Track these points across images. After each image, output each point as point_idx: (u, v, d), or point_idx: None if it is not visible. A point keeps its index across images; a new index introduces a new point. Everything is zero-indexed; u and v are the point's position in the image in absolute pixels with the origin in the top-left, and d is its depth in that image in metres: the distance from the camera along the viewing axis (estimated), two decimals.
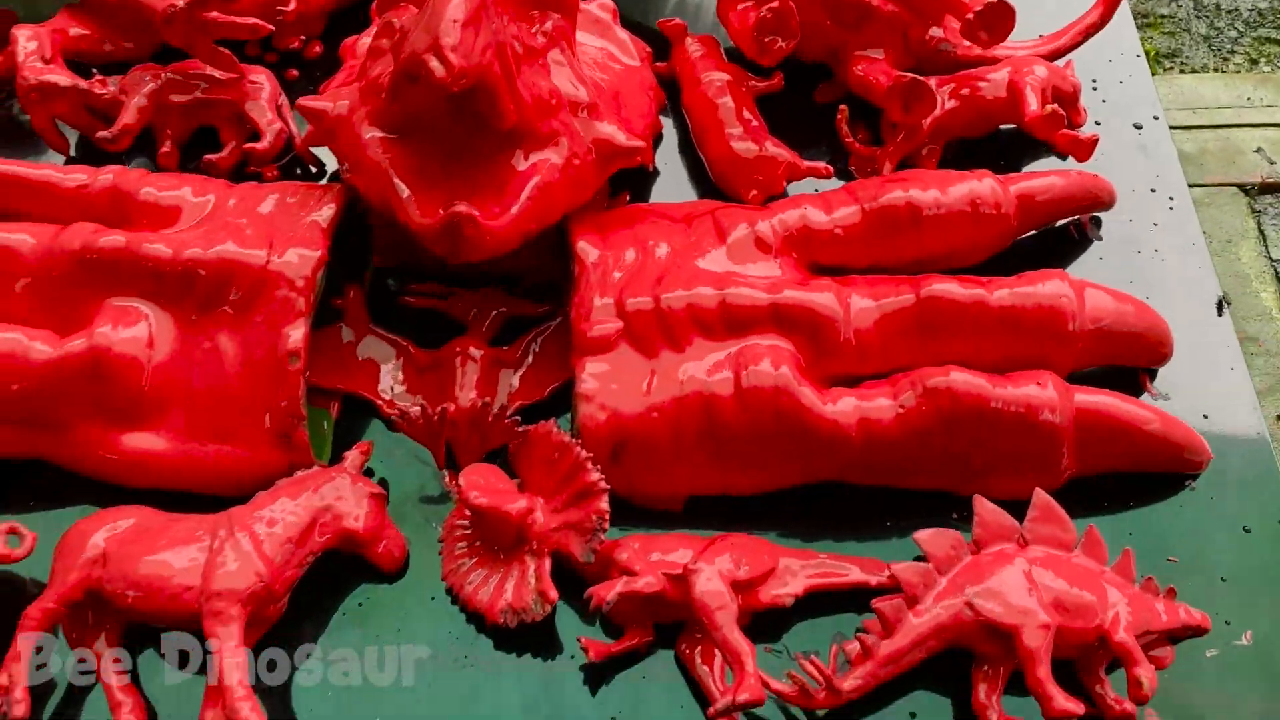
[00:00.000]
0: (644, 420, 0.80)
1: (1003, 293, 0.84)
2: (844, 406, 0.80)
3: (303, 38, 1.10)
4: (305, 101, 0.86)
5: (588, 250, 0.87)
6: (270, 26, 0.98)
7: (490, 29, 0.74)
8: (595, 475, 0.77)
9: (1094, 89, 1.11)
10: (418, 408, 0.84)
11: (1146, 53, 1.20)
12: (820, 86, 1.08)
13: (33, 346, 0.80)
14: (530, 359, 0.89)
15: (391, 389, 0.88)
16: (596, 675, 0.78)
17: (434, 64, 0.71)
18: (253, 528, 0.76)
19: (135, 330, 0.82)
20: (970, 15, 1.01)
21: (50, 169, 0.90)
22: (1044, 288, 0.84)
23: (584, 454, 0.78)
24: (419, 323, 0.93)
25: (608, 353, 0.82)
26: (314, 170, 1.02)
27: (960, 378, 0.79)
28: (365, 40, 1.01)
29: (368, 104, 0.83)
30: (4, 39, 1.03)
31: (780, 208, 0.90)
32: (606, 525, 0.76)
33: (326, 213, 0.86)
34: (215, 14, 0.95)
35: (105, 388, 0.80)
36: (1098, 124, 1.07)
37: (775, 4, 0.98)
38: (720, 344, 0.82)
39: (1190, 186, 1.07)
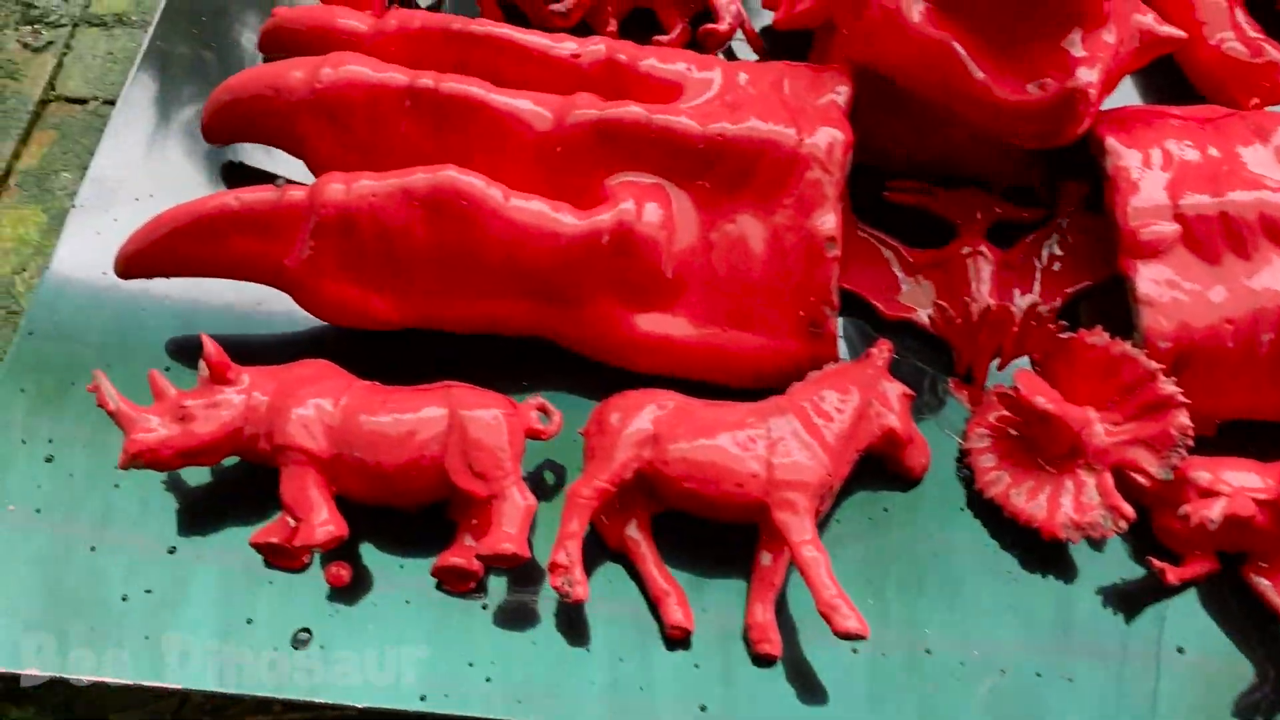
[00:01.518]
0: (1215, 332, 0.74)
1: None
2: None
3: None
4: None
5: (1119, 149, 0.80)
6: None
7: None
8: (1171, 388, 0.71)
9: None
10: (938, 307, 0.79)
11: None
12: None
13: (559, 219, 0.76)
14: (1039, 264, 0.83)
15: (891, 287, 0.83)
16: (1134, 598, 0.73)
17: None
18: (810, 419, 0.71)
19: (657, 207, 0.77)
20: None
21: (539, 35, 0.85)
22: None
23: (1154, 365, 0.72)
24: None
25: (1163, 257, 0.76)
26: (756, 56, 0.97)
27: None
28: None
29: None
30: None
31: None
32: (1191, 441, 0.71)
33: (843, 92, 0.81)
34: None
35: (628, 265, 0.76)
36: None
37: None
38: None
39: None
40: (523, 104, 0.80)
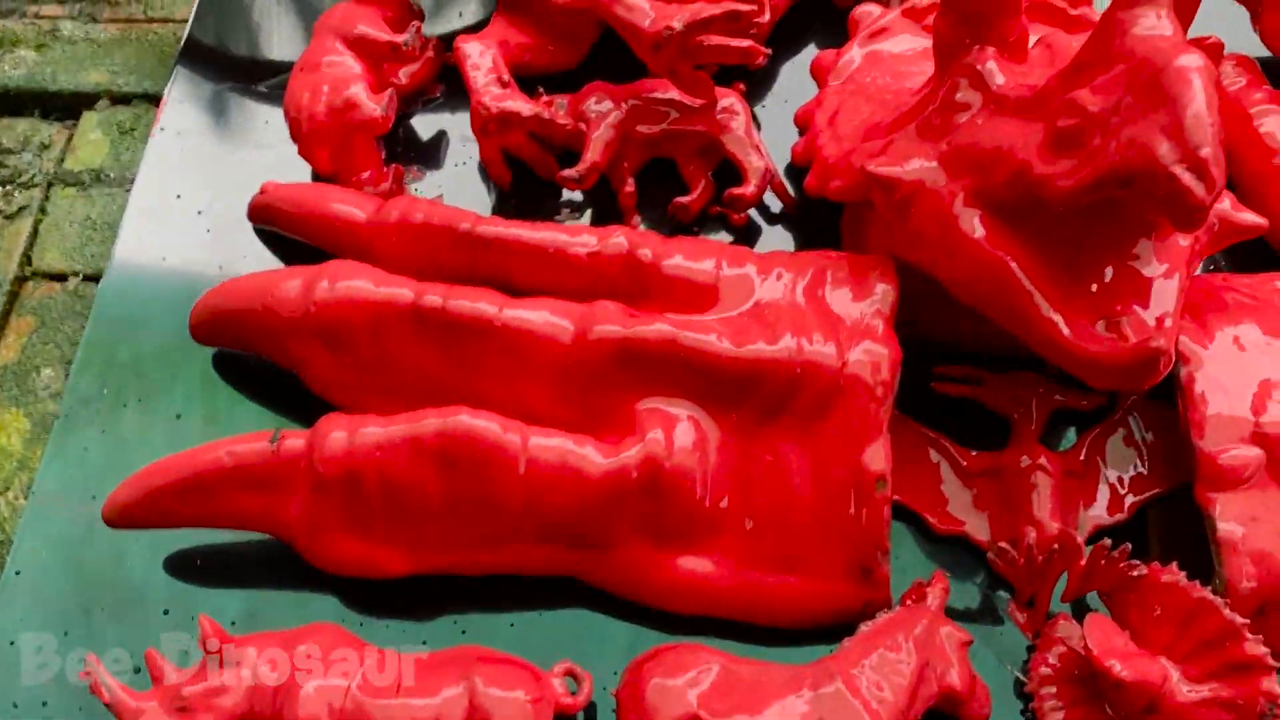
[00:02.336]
0: None
1: None
2: None
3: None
4: (877, 169, 0.72)
5: (1192, 349, 0.73)
6: (766, 51, 0.83)
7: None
8: (1260, 649, 0.65)
9: None
10: (999, 549, 0.73)
11: None
12: None
13: (585, 456, 0.69)
14: (1104, 468, 0.77)
15: (941, 497, 0.77)
16: None
17: (1188, 180, 0.57)
18: (861, 690, 0.66)
19: (688, 439, 0.71)
20: None
21: (552, 231, 0.78)
22: None
23: (1239, 619, 0.66)
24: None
25: (1246, 488, 0.69)
26: (786, 214, 0.90)
27: None
28: (850, 56, 0.87)
29: (963, 178, 0.69)
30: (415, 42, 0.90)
31: None
32: None
33: (886, 296, 0.74)
34: (713, 37, 0.81)
35: (660, 504, 0.70)
36: None
37: None
38: None
39: None
40: (538, 318, 0.73)
